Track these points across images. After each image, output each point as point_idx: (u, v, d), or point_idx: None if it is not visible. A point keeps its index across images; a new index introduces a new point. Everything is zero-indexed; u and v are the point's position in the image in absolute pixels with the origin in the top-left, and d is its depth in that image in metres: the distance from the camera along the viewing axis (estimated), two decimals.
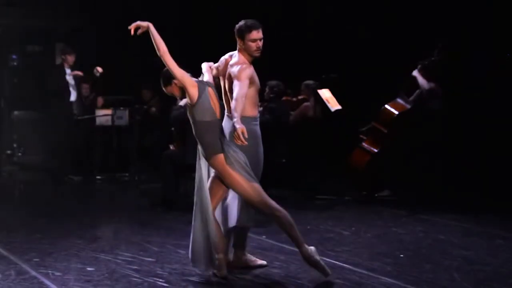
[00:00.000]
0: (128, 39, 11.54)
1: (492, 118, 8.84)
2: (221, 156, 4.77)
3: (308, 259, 4.84)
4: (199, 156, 4.95)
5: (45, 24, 12.23)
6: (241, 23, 5.10)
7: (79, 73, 10.24)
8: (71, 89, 10.14)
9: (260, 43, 5.05)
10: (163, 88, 5.00)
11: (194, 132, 4.86)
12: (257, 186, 4.80)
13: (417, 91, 8.31)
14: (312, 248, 4.86)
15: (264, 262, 5.24)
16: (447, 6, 9.11)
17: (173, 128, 8.29)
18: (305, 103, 8.79)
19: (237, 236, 5.22)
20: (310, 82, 8.81)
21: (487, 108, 8.87)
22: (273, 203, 4.82)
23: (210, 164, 4.86)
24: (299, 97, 8.88)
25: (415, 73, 8.36)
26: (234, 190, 4.85)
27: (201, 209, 4.88)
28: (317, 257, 4.84)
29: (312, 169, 8.80)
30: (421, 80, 8.31)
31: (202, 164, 4.93)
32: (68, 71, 10.12)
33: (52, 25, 12.26)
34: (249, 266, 5.19)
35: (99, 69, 10.27)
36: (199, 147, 4.89)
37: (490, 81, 8.91)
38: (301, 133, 8.69)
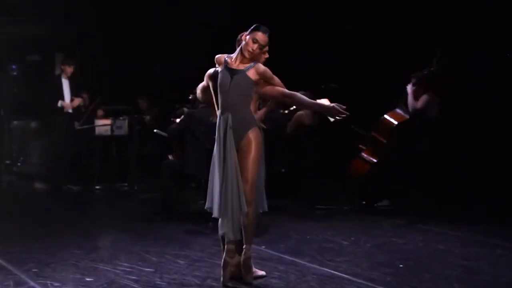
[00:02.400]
0: (128, 49, 11.55)
1: (492, 122, 8.82)
2: (260, 132, 5.02)
3: (246, 260, 5.00)
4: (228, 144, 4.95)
5: (45, 34, 12.25)
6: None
7: (76, 102, 10.23)
8: (67, 100, 10.13)
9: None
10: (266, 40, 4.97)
11: (245, 103, 4.97)
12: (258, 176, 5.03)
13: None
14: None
15: (263, 273, 5.22)
16: (447, 7, 9.10)
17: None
18: (299, 112, 8.80)
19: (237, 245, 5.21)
20: (302, 92, 8.84)
21: (487, 111, 8.85)
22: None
23: (249, 134, 4.95)
24: (291, 108, 8.87)
25: (409, 89, 8.33)
26: (249, 166, 4.92)
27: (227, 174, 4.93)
28: (252, 265, 5.06)
29: (311, 178, 8.80)
30: (410, 99, 8.28)
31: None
32: (65, 82, 10.12)
33: (52, 35, 12.29)
34: None
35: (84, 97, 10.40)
36: (233, 122, 4.92)
37: (490, 81, 8.88)
38: (299, 143, 8.69)
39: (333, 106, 4.89)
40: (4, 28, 11.76)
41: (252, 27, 5.00)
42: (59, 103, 10.01)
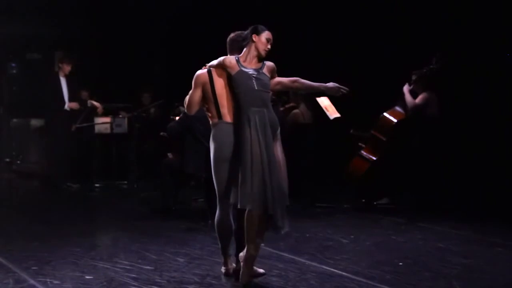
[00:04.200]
0: (128, 48, 11.52)
1: (492, 121, 8.81)
2: None
3: (249, 258, 4.94)
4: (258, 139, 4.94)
5: (45, 32, 12.25)
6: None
7: (74, 106, 10.20)
8: (65, 97, 10.12)
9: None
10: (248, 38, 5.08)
11: (270, 100, 5.16)
12: None
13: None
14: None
15: (263, 271, 5.20)
16: (447, 7, 9.10)
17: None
18: (295, 111, 8.81)
19: (238, 243, 5.21)
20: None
21: (487, 110, 8.84)
22: None
23: (278, 134, 5.09)
24: (287, 106, 8.88)
25: (405, 89, 8.28)
26: (281, 163, 5.10)
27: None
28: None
29: (311, 177, 8.80)
30: (408, 97, 8.22)
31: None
32: (62, 80, 10.11)
33: (51, 34, 12.28)
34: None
35: (95, 104, 10.36)
36: (269, 118, 5.00)
37: (490, 81, 8.88)
38: (298, 141, 8.69)
39: (333, 84, 5.17)
40: (4, 26, 11.75)
41: (255, 28, 5.09)
42: (66, 106, 10.04)
